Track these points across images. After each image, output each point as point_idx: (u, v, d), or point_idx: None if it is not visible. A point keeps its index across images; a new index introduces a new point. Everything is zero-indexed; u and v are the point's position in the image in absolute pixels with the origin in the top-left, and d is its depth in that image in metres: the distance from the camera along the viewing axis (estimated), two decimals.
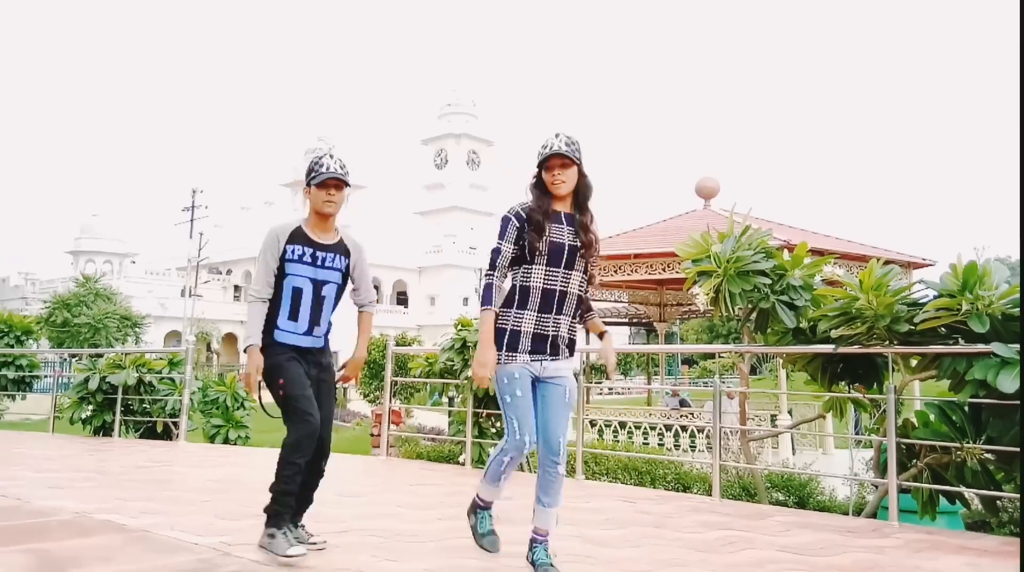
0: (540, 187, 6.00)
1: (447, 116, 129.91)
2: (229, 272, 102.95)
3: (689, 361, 78.75)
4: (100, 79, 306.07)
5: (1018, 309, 7.94)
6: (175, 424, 16.16)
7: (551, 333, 5.94)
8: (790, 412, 24.54)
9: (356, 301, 7.13)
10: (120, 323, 70.04)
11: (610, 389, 67.34)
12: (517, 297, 5.98)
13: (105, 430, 16.69)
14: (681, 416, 24.88)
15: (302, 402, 6.43)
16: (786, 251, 10.22)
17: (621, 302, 35.56)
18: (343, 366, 7.09)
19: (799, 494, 13.33)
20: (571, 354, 6.10)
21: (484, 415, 12.85)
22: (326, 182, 6.56)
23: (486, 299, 5.93)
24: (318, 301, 6.66)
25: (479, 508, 6.15)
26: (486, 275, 6.03)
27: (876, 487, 9.74)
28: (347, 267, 6.79)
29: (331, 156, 6.69)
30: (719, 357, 54.92)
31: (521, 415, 5.87)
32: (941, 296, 8.30)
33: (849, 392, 9.89)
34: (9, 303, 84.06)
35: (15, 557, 5.94)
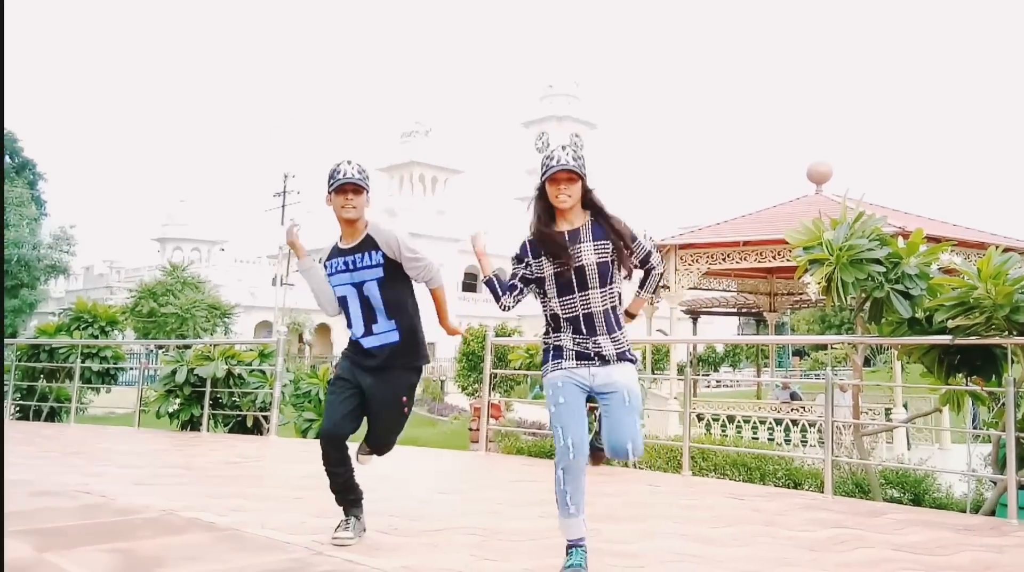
0: (543, 200, 6.21)
1: (549, 98, 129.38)
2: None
3: (800, 352, 78.08)
4: (190, 62, 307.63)
5: None
6: (265, 418, 16.29)
7: (592, 350, 6.14)
8: (905, 406, 24.31)
9: (416, 281, 7.36)
10: (208, 313, 70.50)
11: (718, 382, 67.12)
12: (551, 323, 6.33)
13: (193, 424, 16.88)
14: (792, 409, 24.82)
15: (327, 409, 7.13)
16: (901, 238, 10.26)
17: (730, 291, 35.46)
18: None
19: (914, 491, 13.24)
20: (625, 360, 6.27)
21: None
22: (343, 187, 7.01)
23: (490, 286, 6.51)
24: (365, 303, 7.20)
25: (570, 547, 6.05)
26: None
27: (994, 483, 9.71)
28: (384, 257, 7.12)
29: (348, 162, 7.13)
30: (831, 348, 54.66)
31: (565, 422, 6.05)
32: None
33: (967, 385, 9.86)
34: (94, 292, 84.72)
35: (100, 556, 6.06)
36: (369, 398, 7.14)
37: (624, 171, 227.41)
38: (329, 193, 7.08)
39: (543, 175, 6.11)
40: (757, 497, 9.95)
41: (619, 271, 6.25)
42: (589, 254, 6.10)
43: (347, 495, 7.11)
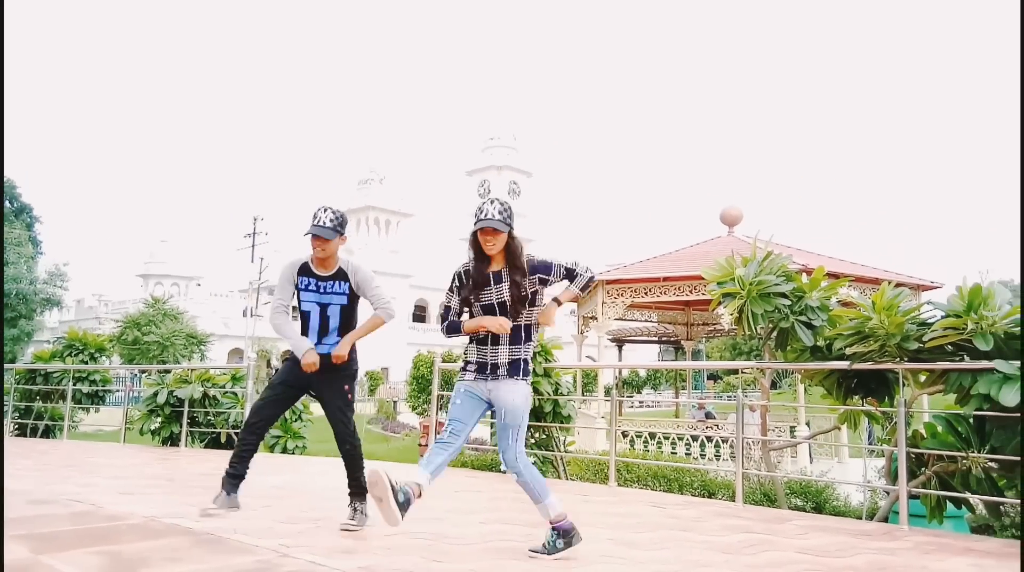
0: (475, 246, 6.52)
1: (490, 149, 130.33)
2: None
3: (714, 376, 78.27)
4: (171, 114, 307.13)
5: (1019, 328, 7.94)
6: (237, 435, 15.98)
7: (490, 361, 6.54)
8: (808, 424, 24.44)
9: (373, 306, 7.74)
10: (186, 341, 70.53)
11: (641, 402, 67.23)
12: (468, 341, 6.66)
13: (172, 440, 16.73)
14: (707, 427, 24.86)
15: (270, 393, 7.77)
16: (804, 274, 10.27)
17: (651, 322, 35.58)
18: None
19: (816, 500, 13.28)
20: (512, 375, 6.58)
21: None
22: (314, 236, 7.42)
23: (455, 327, 6.60)
24: (324, 319, 7.68)
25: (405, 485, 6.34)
26: (441, 328, 6.70)
27: (887, 493, 9.70)
28: (350, 288, 7.69)
29: (324, 210, 7.53)
30: (742, 373, 54.89)
31: (454, 415, 6.57)
32: (948, 316, 8.30)
33: (863, 405, 9.86)
34: (84, 322, 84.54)
35: (90, 558, 5.98)
36: (318, 392, 7.71)
37: (558, 214, 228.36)
38: (307, 233, 7.41)
39: (475, 225, 6.40)
40: (676, 505, 9.92)
41: (524, 306, 6.56)
42: (508, 290, 6.47)
43: (241, 467, 7.77)
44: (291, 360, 7.71)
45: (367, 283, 7.69)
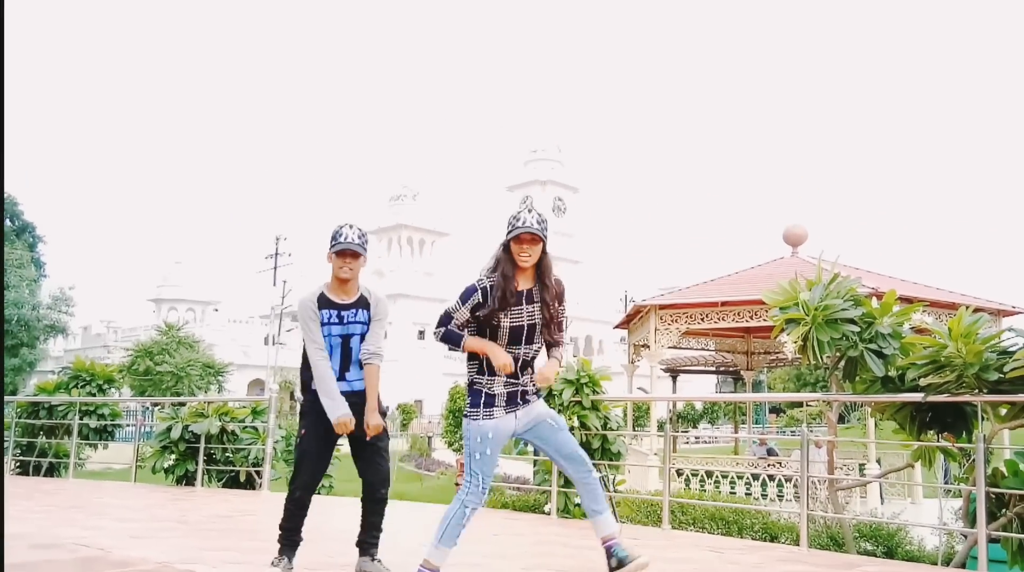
0: (507, 256, 6.49)
1: (532, 162, 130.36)
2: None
3: (776, 410, 78.25)
4: (186, 126, 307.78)
5: None
6: (258, 473, 16.14)
7: (519, 389, 6.53)
8: (878, 461, 24.37)
9: (362, 349, 7.58)
10: (202, 371, 70.55)
11: (697, 438, 67.13)
12: (486, 369, 6.54)
13: (187, 479, 16.69)
14: (768, 465, 24.82)
15: (312, 458, 7.51)
16: (875, 299, 10.22)
17: (708, 350, 35.51)
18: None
19: (888, 544, 13.23)
20: (537, 396, 6.74)
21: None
22: (343, 251, 7.31)
23: (455, 339, 6.59)
24: (346, 352, 7.54)
25: None
26: (436, 331, 6.73)
27: (965, 537, 9.68)
28: (369, 317, 7.60)
29: (350, 227, 7.49)
30: (807, 406, 54.74)
31: (486, 471, 6.52)
32: None
33: (938, 441, 9.85)
34: (91, 351, 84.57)
35: None
36: (353, 435, 7.46)
37: (606, 233, 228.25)
38: (330, 252, 7.37)
39: (509, 234, 6.40)
40: (735, 550, 9.93)
41: (557, 330, 6.65)
42: (540, 312, 6.50)
43: (295, 535, 7.55)
44: (316, 414, 7.49)
45: (381, 321, 7.68)
